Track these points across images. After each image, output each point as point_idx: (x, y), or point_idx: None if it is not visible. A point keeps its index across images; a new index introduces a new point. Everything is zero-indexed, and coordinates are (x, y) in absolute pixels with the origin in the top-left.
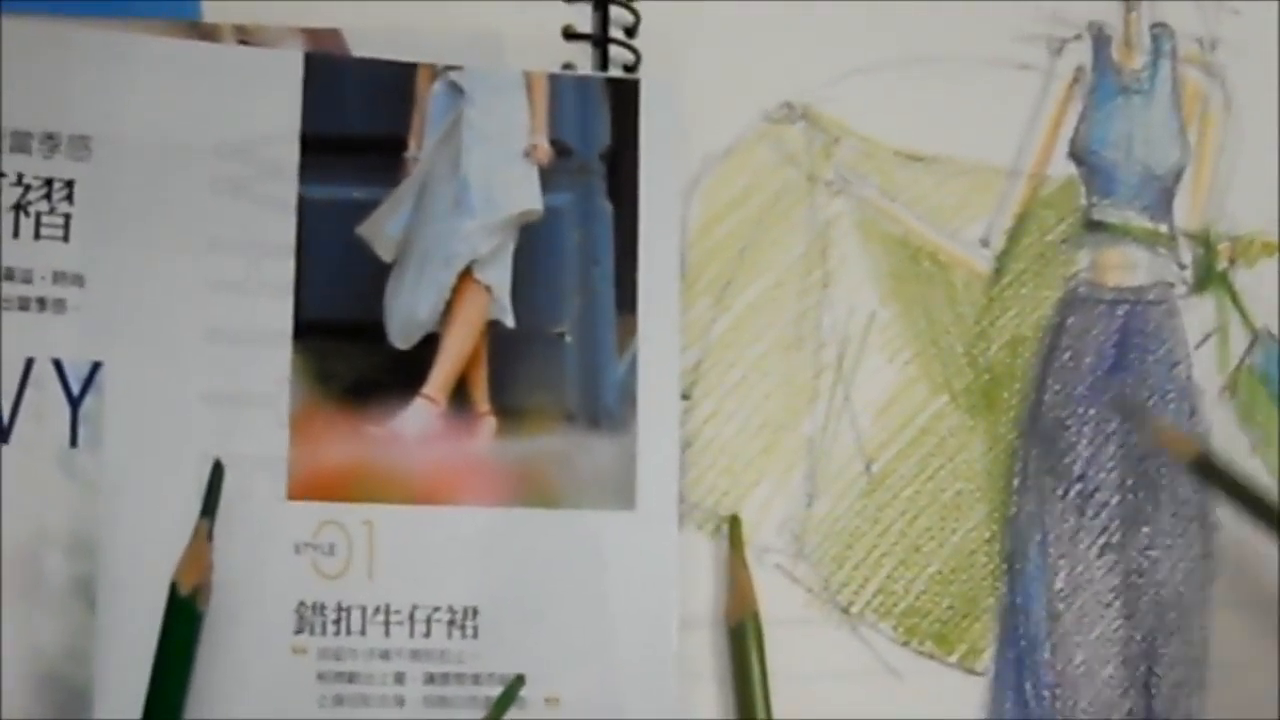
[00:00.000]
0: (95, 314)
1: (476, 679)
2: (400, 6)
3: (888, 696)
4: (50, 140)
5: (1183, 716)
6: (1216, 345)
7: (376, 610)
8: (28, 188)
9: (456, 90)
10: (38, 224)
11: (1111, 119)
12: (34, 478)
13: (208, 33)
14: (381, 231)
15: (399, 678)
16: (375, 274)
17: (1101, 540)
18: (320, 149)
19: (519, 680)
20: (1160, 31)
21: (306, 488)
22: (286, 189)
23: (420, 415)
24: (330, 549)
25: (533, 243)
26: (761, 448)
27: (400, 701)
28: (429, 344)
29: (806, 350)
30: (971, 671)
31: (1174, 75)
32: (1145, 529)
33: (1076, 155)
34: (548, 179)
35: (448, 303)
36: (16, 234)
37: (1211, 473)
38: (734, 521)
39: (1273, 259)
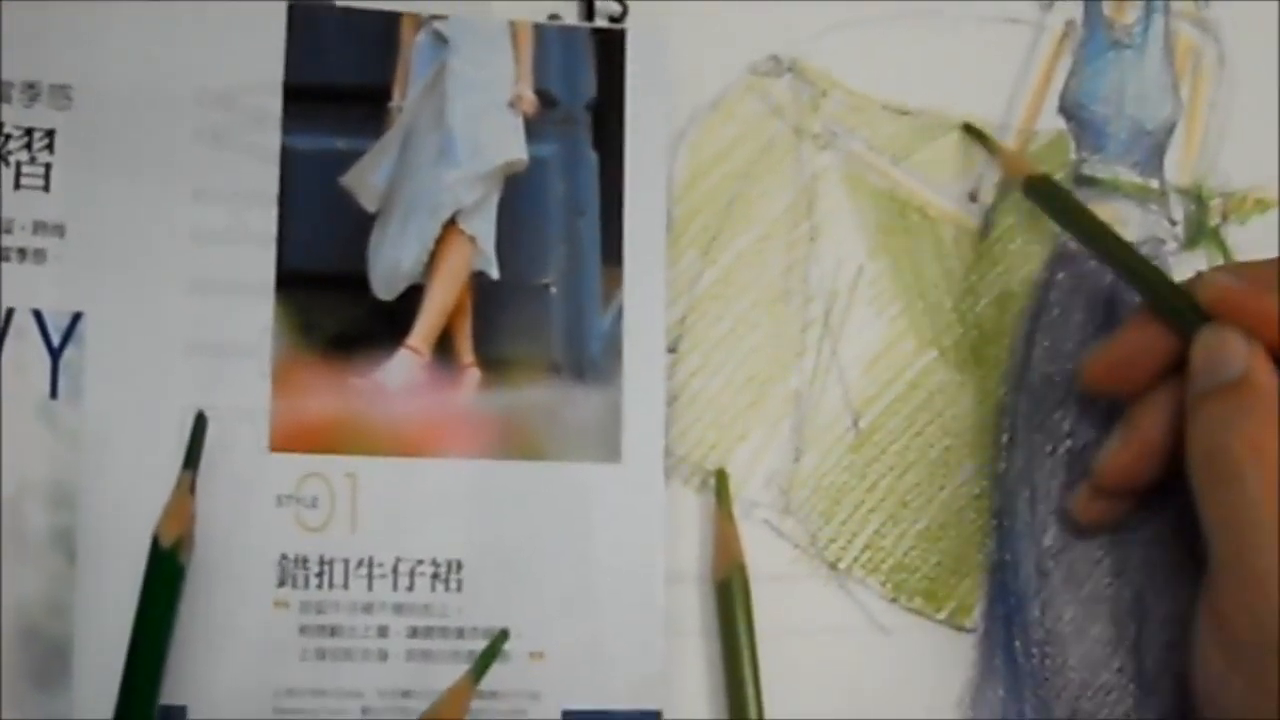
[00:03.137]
0: (76, 264)
1: (460, 633)
2: None
3: (875, 653)
4: (31, 89)
5: (1173, 675)
6: None
7: (359, 563)
8: (8, 137)
9: (441, 40)
10: (18, 173)
11: (1102, 74)
12: (14, 429)
13: None
14: (365, 182)
15: (382, 631)
16: (359, 224)
17: None
18: (304, 98)
19: (503, 634)
20: None
21: (289, 439)
22: (270, 139)
23: (404, 367)
24: (313, 501)
25: (518, 193)
26: (748, 402)
27: (383, 655)
28: (413, 295)
29: (794, 304)
30: (960, 628)
31: (1166, 30)
32: None
33: (1066, 110)
34: (533, 129)
35: (432, 253)
36: None
37: (1046, 194)
38: (720, 476)
39: (1265, 215)
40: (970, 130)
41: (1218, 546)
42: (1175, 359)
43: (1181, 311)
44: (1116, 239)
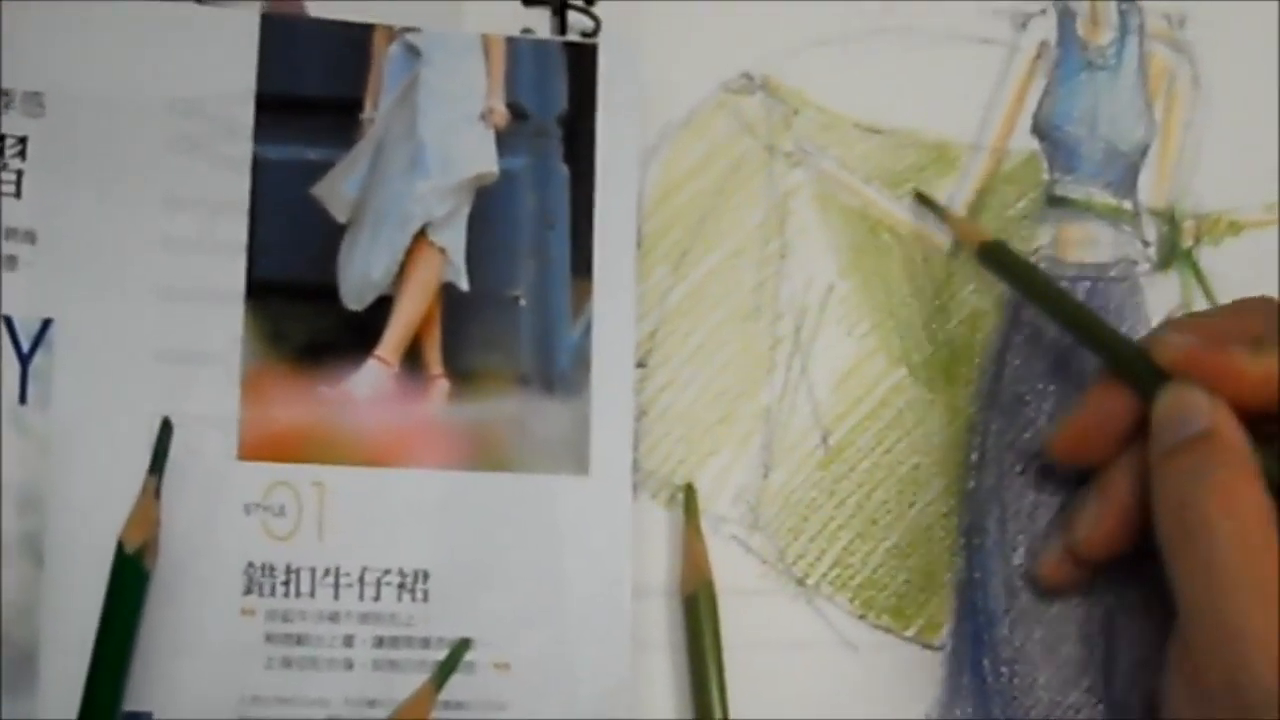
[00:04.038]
0: (47, 271)
1: (426, 643)
2: None
3: (843, 669)
4: (4, 96)
5: (1142, 694)
6: None
7: (326, 572)
8: None
9: (413, 52)
10: None
11: (1076, 94)
12: None
13: None
14: (336, 192)
15: (348, 640)
16: (329, 235)
17: None
18: (276, 109)
19: (465, 643)
20: (1128, 7)
21: (257, 448)
22: (241, 148)
23: (373, 377)
24: (280, 510)
25: (488, 205)
26: (718, 417)
27: (349, 664)
28: (382, 305)
29: (764, 321)
30: (929, 646)
31: (1141, 51)
32: None
33: (1039, 130)
34: (504, 142)
35: (401, 264)
36: None
37: (1001, 261)
38: (689, 490)
39: (1238, 237)
40: (921, 198)
41: (1189, 600)
42: (1139, 423)
43: (1141, 373)
44: (1073, 302)
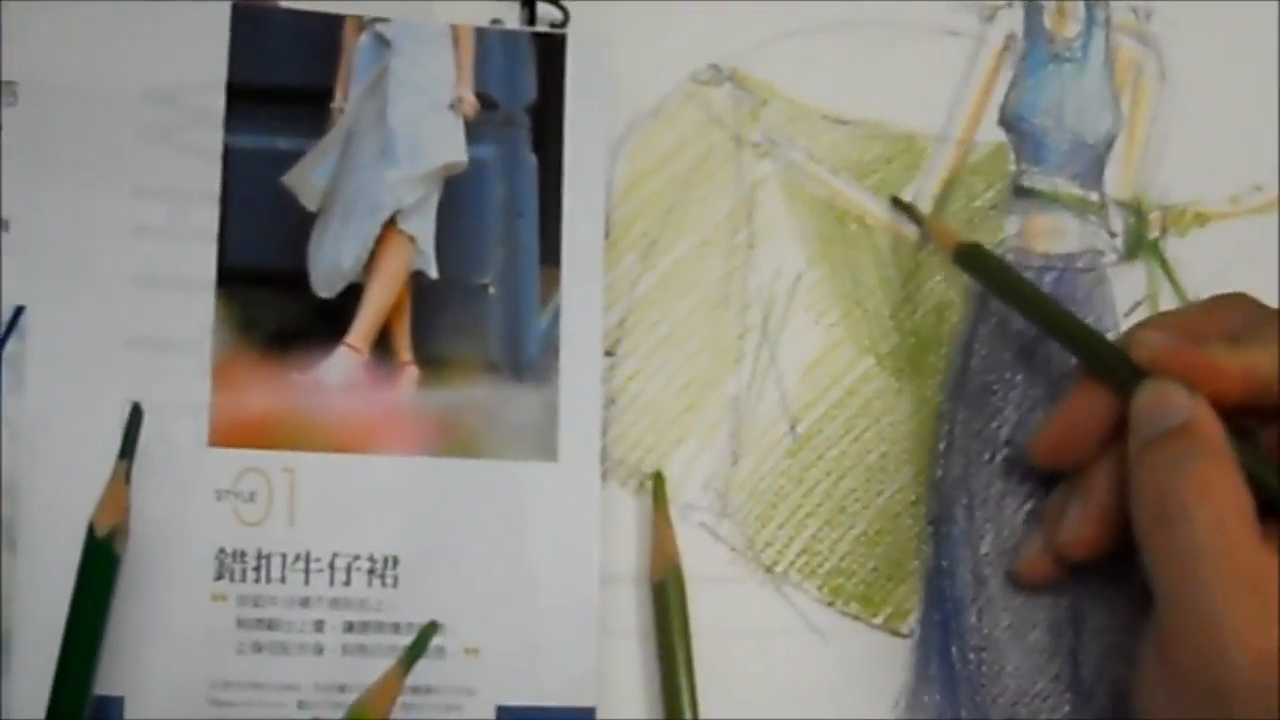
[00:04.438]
0: (19, 259)
1: (396, 628)
2: None
3: (812, 657)
4: None
5: (1109, 682)
6: (1146, 313)
7: (296, 558)
8: None
9: (383, 42)
10: None
11: (1042, 86)
12: None
13: None
14: (306, 181)
15: (318, 625)
16: (299, 223)
17: (1028, 505)
18: (247, 98)
19: (432, 625)
20: (1094, 1)
21: (228, 434)
22: (212, 137)
23: (343, 364)
24: (251, 496)
25: (457, 194)
26: (686, 405)
27: (319, 649)
28: (352, 293)
29: (732, 310)
30: (896, 633)
31: (1107, 43)
32: None
33: (1006, 122)
34: (473, 131)
35: (371, 253)
36: None
37: (977, 263)
38: (657, 478)
39: (1205, 228)
40: (897, 203)
41: (1164, 590)
42: (1118, 423)
43: (1120, 371)
44: (1049, 302)
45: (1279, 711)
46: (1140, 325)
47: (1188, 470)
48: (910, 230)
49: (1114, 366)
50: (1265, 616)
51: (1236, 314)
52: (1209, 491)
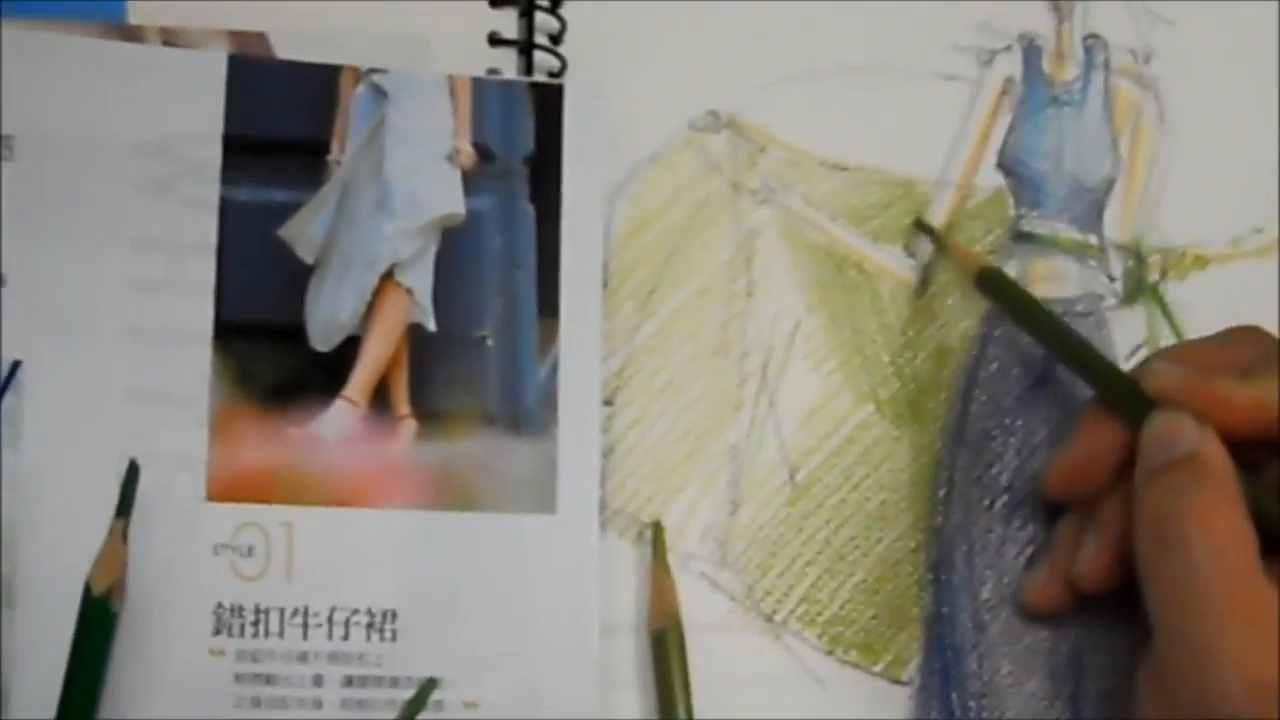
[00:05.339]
0: (16, 313)
1: (395, 682)
2: (325, 8)
3: (812, 705)
4: None
5: None
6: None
7: (295, 612)
8: None
9: (380, 93)
10: None
11: (1041, 130)
12: None
13: (132, 34)
14: (303, 233)
15: (317, 680)
16: (296, 276)
17: (1029, 551)
18: (243, 150)
19: (430, 683)
20: (1093, 43)
21: (226, 489)
22: (209, 190)
23: (340, 417)
24: (249, 550)
25: (455, 246)
26: (685, 454)
27: (318, 704)
28: (350, 346)
29: (731, 358)
30: (896, 681)
31: (1106, 87)
32: None
33: (1005, 166)
34: (470, 182)
35: (369, 305)
36: None
37: (997, 289)
38: (657, 527)
39: (1204, 271)
40: (920, 225)
41: (1162, 619)
42: (1132, 455)
43: (1132, 401)
44: (1067, 331)
45: None
46: (1154, 356)
47: (1190, 499)
48: (904, 271)
49: (1127, 396)
50: (1261, 647)
51: (1249, 347)
52: (1210, 520)
